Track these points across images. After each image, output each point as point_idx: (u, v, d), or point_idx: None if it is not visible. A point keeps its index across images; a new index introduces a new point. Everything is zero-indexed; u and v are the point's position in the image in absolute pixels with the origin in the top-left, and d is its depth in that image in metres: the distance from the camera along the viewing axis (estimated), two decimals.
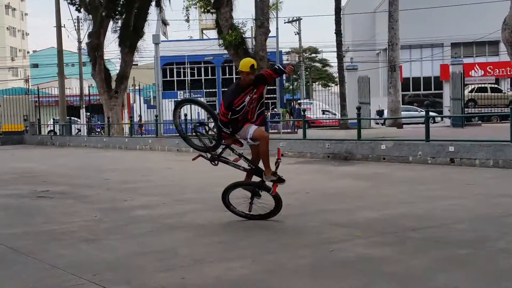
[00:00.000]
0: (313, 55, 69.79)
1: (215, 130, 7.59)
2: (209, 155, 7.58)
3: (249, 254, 5.78)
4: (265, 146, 7.21)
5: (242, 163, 7.55)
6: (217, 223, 7.46)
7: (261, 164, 7.42)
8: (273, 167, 7.32)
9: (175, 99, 45.10)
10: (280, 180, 7.30)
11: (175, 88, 57.57)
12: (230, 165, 7.59)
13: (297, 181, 11.88)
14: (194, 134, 7.90)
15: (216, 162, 7.58)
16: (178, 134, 8.73)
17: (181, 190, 11.15)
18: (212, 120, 8.07)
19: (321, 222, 7.34)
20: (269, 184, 7.35)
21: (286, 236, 6.60)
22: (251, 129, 7.23)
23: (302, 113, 20.67)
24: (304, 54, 66.16)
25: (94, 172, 15.44)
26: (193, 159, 7.59)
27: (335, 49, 22.47)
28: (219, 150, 7.66)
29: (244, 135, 7.29)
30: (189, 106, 33.27)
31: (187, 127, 21.49)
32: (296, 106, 36.32)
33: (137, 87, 41.68)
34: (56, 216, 8.44)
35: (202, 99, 46.58)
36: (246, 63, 7.16)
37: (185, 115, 24.61)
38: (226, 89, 7.69)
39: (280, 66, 7.56)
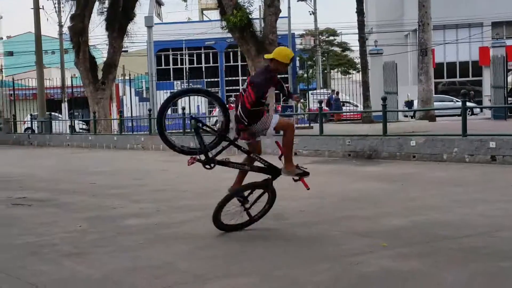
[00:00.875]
0: (331, 37, 69.74)
1: (217, 126, 7.59)
2: (203, 157, 7.46)
3: (257, 269, 5.79)
4: (291, 136, 7.44)
5: (241, 161, 7.66)
6: (220, 234, 7.47)
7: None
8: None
9: (171, 91, 45.20)
10: (306, 173, 7.53)
11: (171, 78, 57.68)
12: (231, 166, 7.55)
13: (312, 184, 11.82)
14: (193, 132, 7.84)
15: (212, 165, 7.44)
16: (174, 131, 8.75)
17: (178, 195, 11.17)
18: (217, 114, 8.17)
19: (341, 231, 7.34)
20: (294, 177, 7.53)
21: (300, 248, 6.60)
22: (275, 118, 7.41)
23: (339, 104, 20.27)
24: (320, 36, 66.12)
25: (78, 176, 15.48)
26: (189, 164, 7.52)
27: (356, 30, 22.42)
28: (214, 151, 7.52)
29: (264, 126, 7.36)
30: (187, 99, 33.32)
31: (185, 123, 21.49)
32: (334, 96, 36.11)
33: (127, 77, 41.75)
34: (35, 227, 8.45)
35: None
36: (287, 53, 7.36)
37: (183, 108, 24.66)
38: (256, 75, 7.71)
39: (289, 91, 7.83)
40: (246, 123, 7.27)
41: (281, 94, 7.97)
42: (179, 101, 43.62)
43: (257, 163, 7.59)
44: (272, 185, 7.61)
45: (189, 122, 27.34)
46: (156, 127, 8.21)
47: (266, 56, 7.49)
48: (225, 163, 7.48)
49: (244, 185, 7.64)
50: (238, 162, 7.62)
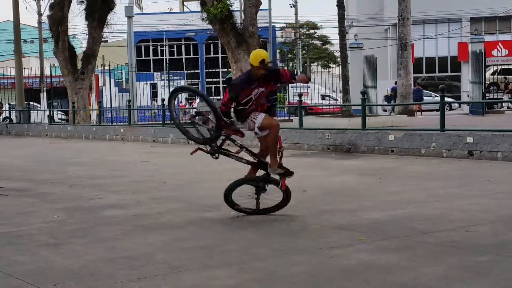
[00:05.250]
0: (312, 31, 69.86)
1: (214, 120, 7.74)
2: (208, 148, 7.82)
3: (235, 261, 5.78)
4: (274, 135, 7.53)
5: (245, 155, 7.82)
6: (198, 225, 7.46)
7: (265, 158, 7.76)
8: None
9: (151, 82, 45.05)
10: (288, 173, 7.66)
11: (151, 69, 57.38)
12: (232, 158, 7.88)
13: (292, 177, 11.88)
14: (191, 124, 8.10)
15: (216, 155, 7.82)
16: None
17: (157, 186, 11.13)
18: (196, 107, 8.40)
19: (319, 224, 7.36)
20: (276, 177, 7.67)
21: (279, 240, 6.60)
22: (260, 117, 7.55)
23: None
24: (301, 30, 66.19)
25: (56, 166, 15.39)
26: (192, 153, 7.83)
27: (336, 24, 22.45)
28: (219, 141, 7.91)
29: (252, 124, 7.59)
30: (168, 90, 33.21)
31: (164, 115, 21.45)
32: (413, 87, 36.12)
33: (106, 68, 41.49)
34: (12, 217, 8.40)
35: (183, 82, 46.52)
36: (256, 56, 7.49)
37: (163, 100, 24.66)
38: (237, 77, 8.05)
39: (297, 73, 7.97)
40: (228, 121, 7.60)
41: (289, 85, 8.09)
42: (158, 92, 43.52)
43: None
44: (274, 180, 7.76)
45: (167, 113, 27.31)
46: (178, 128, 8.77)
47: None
48: (227, 154, 7.85)
49: (250, 176, 7.89)
50: (235, 153, 7.85)
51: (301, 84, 42.88)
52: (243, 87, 7.54)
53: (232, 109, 7.64)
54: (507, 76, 37.96)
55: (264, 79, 7.55)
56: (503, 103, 34.50)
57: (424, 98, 36.46)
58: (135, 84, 30.87)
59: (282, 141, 8.04)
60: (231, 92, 7.55)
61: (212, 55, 60.69)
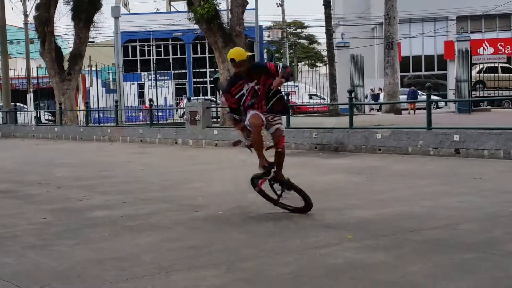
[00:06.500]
0: (299, 30, 69.86)
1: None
2: (247, 142, 7.98)
3: (223, 261, 5.78)
4: (254, 134, 7.67)
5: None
6: (186, 226, 7.45)
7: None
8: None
9: (138, 82, 44.96)
10: (265, 174, 7.85)
11: (138, 69, 57.30)
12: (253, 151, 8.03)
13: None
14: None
15: (251, 149, 8.00)
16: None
17: (145, 187, 11.11)
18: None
19: (307, 224, 7.36)
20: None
21: (266, 240, 6.60)
22: (249, 114, 7.74)
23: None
24: (288, 29, 66.20)
25: (43, 167, 15.33)
26: (234, 144, 8.35)
27: (323, 23, 22.49)
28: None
29: (246, 122, 7.82)
30: (155, 90, 33.16)
31: (152, 115, 21.38)
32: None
33: (93, 68, 41.38)
34: None
35: (170, 82, 46.44)
36: (229, 54, 7.78)
37: (150, 100, 24.71)
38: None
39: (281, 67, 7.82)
40: (238, 118, 7.97)
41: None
42: (146, 92, 43.40)
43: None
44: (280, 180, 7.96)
45: (156, 114, 27.27)
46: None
47: None
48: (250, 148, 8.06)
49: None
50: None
51: (289, 83, 42.94)
52: (232, 84, 7.84)
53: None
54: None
55: (250, 75, 7.70)
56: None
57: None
58: (122, 84, 30.81)
59: (269, 140, 8.01)
60: (223, 91, 7.90)
61: (199, 55, 60.61)
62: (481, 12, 48.70)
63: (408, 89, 38.63)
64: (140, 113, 36.28)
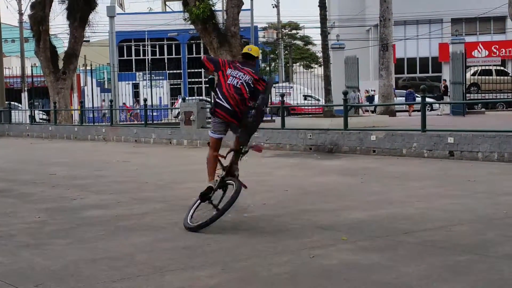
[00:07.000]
0: (294, 31, 69.94)
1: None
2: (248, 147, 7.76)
3: (217, 261, 5.78)
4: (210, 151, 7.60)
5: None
6: (180, 226, 7.43)
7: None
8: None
9: (133, 82, 44.88)
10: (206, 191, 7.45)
11: (133, 69, 57.20)
12: None
13: (274, 177, 11.90)
14: None
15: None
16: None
17: (139, 187, 11.10)
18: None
19: (301, 224, 7.36)
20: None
21: (261, 241, 6.60)
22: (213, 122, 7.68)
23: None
24: (283, 30, 66.24)
25: (37, 166, 15.30)
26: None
27: (318, 24, 22.53)
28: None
29: None
30: (150, 90, 33.14)
31: (147, 115, 21.35)
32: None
33: (88, 67, 41.29)
34: None
35: (165, 82, 46.38)
36: (251, 48, 7.79)
37: (145, 100, 24.73)
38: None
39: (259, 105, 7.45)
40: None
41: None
42: (141, 92, 43.30)
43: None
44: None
45: (150, 114, 27.20)
46: None
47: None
48: None
49: None
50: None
51: (283, 84, 42.97)
52: (231, 62, 7.83)
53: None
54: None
55: (249, 73, 7.46)
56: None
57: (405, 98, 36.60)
58: (117, 84, 30.76)
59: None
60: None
61: (194, 55, 60.52)
62: (475, 14, 48.82)
63: (405, 91, 38.70)
64: (121, 114, 36.04)
